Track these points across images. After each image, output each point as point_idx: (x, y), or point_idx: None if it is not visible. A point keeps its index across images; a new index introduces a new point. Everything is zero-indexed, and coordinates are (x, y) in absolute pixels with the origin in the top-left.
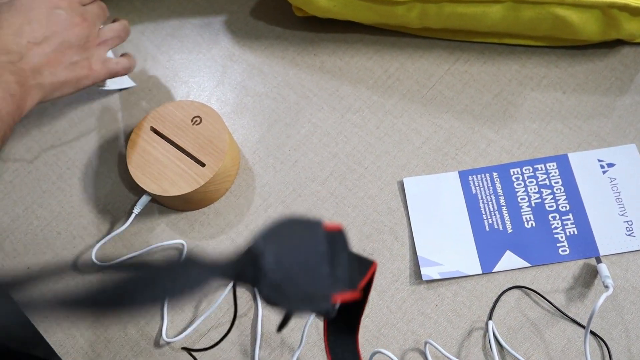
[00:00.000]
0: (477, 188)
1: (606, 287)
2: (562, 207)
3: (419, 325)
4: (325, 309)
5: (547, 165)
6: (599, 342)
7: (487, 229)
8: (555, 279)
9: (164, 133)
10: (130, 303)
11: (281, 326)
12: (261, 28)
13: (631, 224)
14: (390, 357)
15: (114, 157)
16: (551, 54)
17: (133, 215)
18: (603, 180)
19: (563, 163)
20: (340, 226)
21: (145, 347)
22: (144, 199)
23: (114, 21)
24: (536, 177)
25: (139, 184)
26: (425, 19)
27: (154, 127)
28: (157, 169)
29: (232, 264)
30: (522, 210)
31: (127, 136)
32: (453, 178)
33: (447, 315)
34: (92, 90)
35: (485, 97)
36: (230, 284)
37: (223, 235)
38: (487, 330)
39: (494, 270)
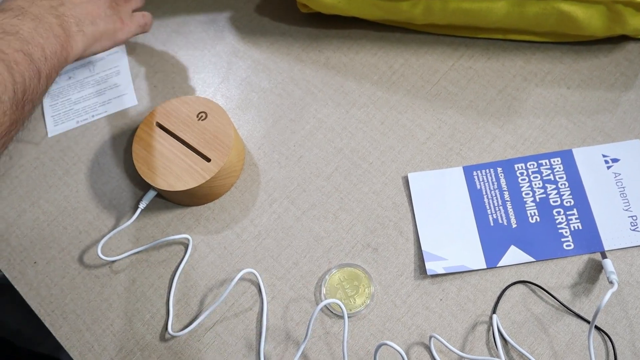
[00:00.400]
0: (482, 183)
1: (611, 283)
2: (566, 202)
3: (423, 320)
4: None
5: (552, 160)
6: (603, 337)
7: (492, 224)
8: (559, 273)
9: (169, 128)
10: None
11: None
12: (266, 24)
13: (636, 219)
14: (395, 349)
15: (119, 152)
16: (556, 49)
17: (139, 210)
18: (607, 176)
19: (567, 158)
20: None
21: (151, 340)
22: (150, 194)
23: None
24: (540, 173)
25: (145, 179)
26: (430, 15)
27: (160, 122)
28: (162, 164)
29: None
30: (526, 205)
31: (133, 132)
32: (457, 173)
33: (451, 309)
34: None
35: (489, 93)
36: (236, 279)
37: (228, 230)
38: (491, 324)
39: (499, 265)
